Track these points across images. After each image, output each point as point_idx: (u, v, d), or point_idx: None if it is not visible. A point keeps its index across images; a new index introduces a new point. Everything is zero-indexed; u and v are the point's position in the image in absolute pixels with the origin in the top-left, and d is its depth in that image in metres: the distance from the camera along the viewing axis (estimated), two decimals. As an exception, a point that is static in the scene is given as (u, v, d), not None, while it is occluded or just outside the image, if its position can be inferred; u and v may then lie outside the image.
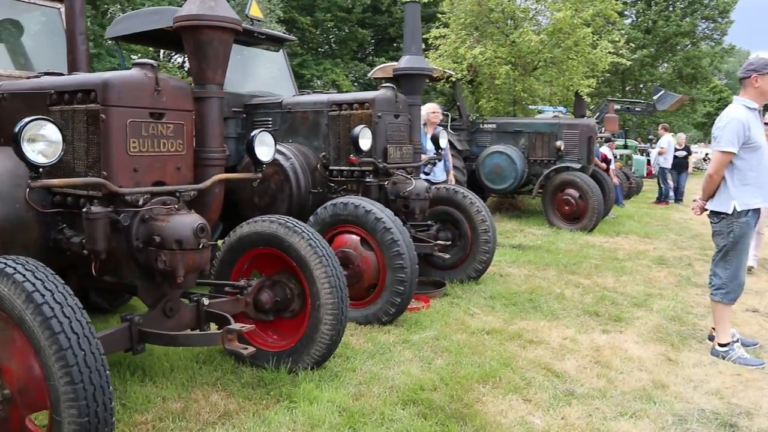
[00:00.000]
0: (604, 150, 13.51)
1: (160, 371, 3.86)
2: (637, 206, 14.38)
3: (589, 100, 10.81)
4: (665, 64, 34.06)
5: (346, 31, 35.67)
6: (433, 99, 14.05)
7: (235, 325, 3.13)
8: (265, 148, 3.88)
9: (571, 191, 9.89)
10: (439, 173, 7.49)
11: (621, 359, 4.22)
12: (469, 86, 11.39)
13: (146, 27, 6.46)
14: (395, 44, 31.94)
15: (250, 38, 6.66)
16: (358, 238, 4.87)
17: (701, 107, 39.04)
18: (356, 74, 32.12)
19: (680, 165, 15.28)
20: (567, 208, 9.94)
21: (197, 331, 3.52)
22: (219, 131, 3.68)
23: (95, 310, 4.86)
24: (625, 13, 32.55)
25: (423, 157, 6.88)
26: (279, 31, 26.05)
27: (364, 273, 4.79)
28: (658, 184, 15.74)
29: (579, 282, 6.44)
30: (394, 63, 12.29)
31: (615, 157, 15.57)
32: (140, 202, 3.19)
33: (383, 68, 11.44)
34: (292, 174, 5.58)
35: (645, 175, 19.82)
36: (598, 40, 11.23)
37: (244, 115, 6.39)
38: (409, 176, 5.61)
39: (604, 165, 12.37)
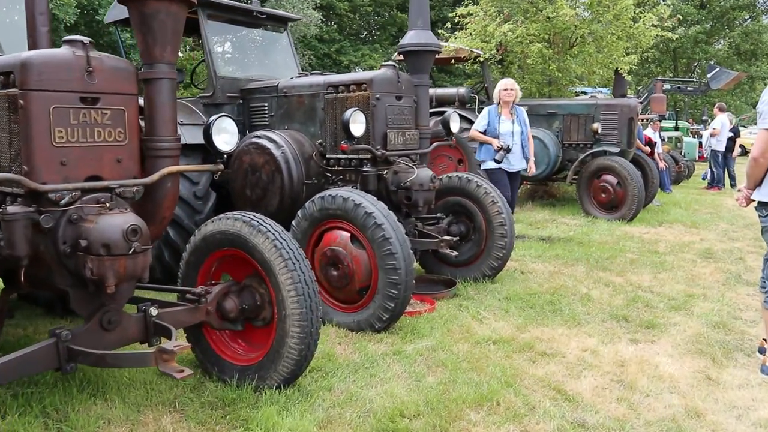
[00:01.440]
0: (648, 132, 12.59)
1: (115, 385, 3.43)
2: (686, 192, 13.38)
3: (630, 78, 9.93)
4: (721, 41, 32.19)
5: (386, 15, 35.07)
6: (461, 81, 13.43)
7: (168, 344, 2.66)
8: (225, 135, 3.41)
9: (609, 177, 9.09)
10: (515, 161, 6.76)
11: (649, 378, 3.58)
12: (499, 66, 10.67)
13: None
14: (436, 29, 31.18)
15: (249, 18, 6.20)
16: (349, 234, 4.36)
17: (761, 86, 36.90)
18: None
19: (726, 148, 14.16)
20: (604, 195, 9.16)
21: (151, 346, 3.08)
22: (171, 117, 3.20)
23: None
24: (678, -13, 30.89)
25: (495, 143, 6.50)
26: (314, 17, 25.88)
27: (355, 274, 4.28)
28: (710, 168, 14.64)
29: (610, 280, 5.76)
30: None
31: (663, 140, 14.57)
32: (66, 201, 2.75)
33: (407, 49, 10.83)
34: (284, 164, 5.10)
35: (697, 158, 18.57)
36: (641, 13, 10.32)
37: (241, 101, 5.95)
38: (412, 164, 5.05)
39: (647, 149, 11.46)
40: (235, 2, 6.07)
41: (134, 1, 2.99)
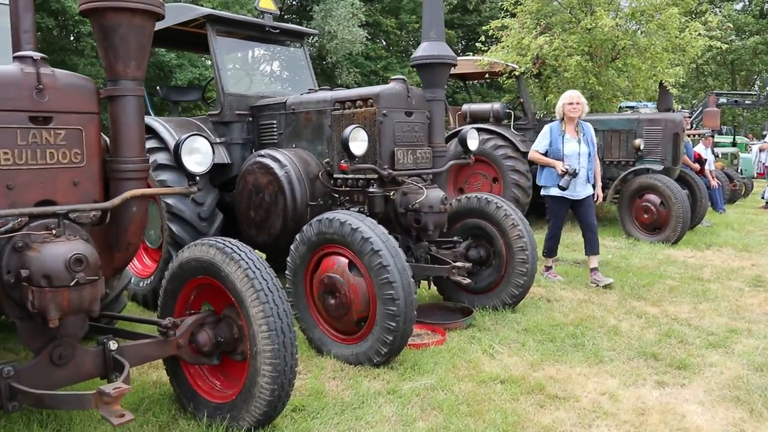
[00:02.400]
0: (699, 148, 11.88)
1: (81, 421, 3.21)
2: (741, 212, 12.54)
3: (676, 91, 9.34)
4: (784, 52, 30.66)
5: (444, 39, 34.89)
6: (497, 96, 13.01)
7: (107, 387, 2.41)
8: (197, 156, 3.17)
9: (652, 197, 8.50)
10: (581, 187, 6.05)
11: (672, 431, 3.13)
12: (536, 81, 10.24)
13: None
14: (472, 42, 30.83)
15: (262, 33, 6.03)
16: (347, 261, 4.06)
17: (828, 98, 35.00)
18: (444, 76, 31.34)
19: None
20: (646, 216, 8.56)
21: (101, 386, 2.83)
22: (137, 137, 3.00)
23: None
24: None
25: (559, 166, 5.88)
26: (359, 34, 25.93)
27: (353, 303, 3.97)
28: (770, 186, 13.72)
29: (644, 311, 5.26)
30: (464, 57, 11.39)
31: (716, 156, 13.77)
32: (9, 227, 2.55)
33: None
34: (287, 184, 4.86)
35: (755, 175, 17.52)
36: (687, 22, 9.74)
37: (250, 119, 5.76)
38: (423, 184, 4.72)
39: (697, 165, 10.79)
40: (246, 17, 5.92)
41: (93, 13, 2.81)
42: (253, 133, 5.78)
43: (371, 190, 4.60)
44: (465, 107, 10.11)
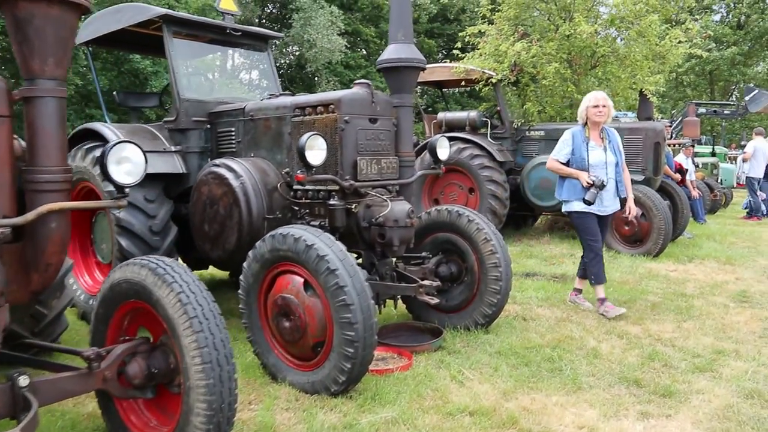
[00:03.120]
0: (680, 158, 11.72)
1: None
2: (722, 223, 12.38)
3: (656, 100, 9.13)
4: (761, 63, 30.93)
5: (414, 41, 34.74)
6: (477, 105, 12.76)
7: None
8: (128, 165, 2.81)
9: (633, 208, 8.26)
10: (609, 201, 5.36)
11: (657, 471, 2.82)
12: (514, 88, 9.98)
13: (110, 28, 5.64)
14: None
15: (222, 36, 5.69)
16: (302, 280, 3.71)
17: (804, 109, 35.34)
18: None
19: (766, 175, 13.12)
20: (627, 228, 8.31)
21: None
22: (57, 143, 2.65)
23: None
24: (713, 8, 29.89)
25: (584, 177, 5.19)
26: (339, 43, 25.64)
27: (308, 327, 3.62)
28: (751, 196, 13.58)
29: (625, 330, 4.96)
30: (433, 65, 11.10)
31: (696, 167, 13.62)
32: None
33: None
34: (242, 196, 4.50)
35: (735, 185, 17.44)
36: (668, 29, 9.56)
37: (208, 126, 5.41)
38: (388, 197, 4.39)
39: (678, 176, 10.61)
40: (205, 19, 5.57)
41: (5, 2, 2.46)
42: (211, 141, 5.42)
43: (332, 202, 4.26)
44: (440, 116, 9.82)
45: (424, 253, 4.83)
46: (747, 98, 18.94)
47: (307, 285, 3.70)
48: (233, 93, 5.96)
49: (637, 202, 8.10)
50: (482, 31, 10.12)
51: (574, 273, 7.00)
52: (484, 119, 9.55)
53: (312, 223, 4.42)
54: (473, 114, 9.59)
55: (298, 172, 4.01)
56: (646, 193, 8.15)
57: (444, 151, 4.91)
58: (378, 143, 4.47)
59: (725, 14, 30.48)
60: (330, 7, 25.81)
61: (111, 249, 5.17)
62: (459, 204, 9.41)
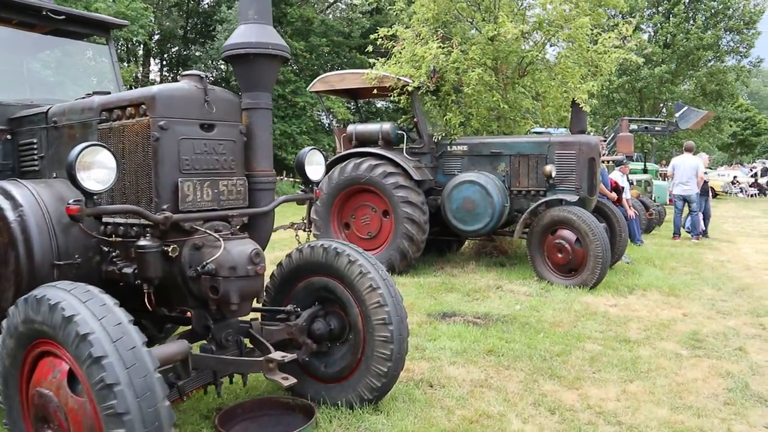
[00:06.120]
0: (615, 176, 10.92)
1: None
2: (658, 243, 11.63)
3: (588, 109, 8.21)
4: (687, 81, 31.36)
5: (345, 57, 33.63)
6: (387, 117, 11.64)
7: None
8: None
9: (566, 233, 7.22)
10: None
11: None
12: (434, 98, 8.92)
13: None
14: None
15: (39, 21, 4.32)
16: (67, 368, 2.38)
17: (727, 127, 36.17)
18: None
19: (703, 191, 12.50)
20: (560, 255, 7.28)
21: None
22: None
23: None
24: (641, 27, 30.09)
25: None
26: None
27: (69, 442, 2.29)
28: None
29: (558, 400, 3.82)
30: (342, 72, 9.90)
31: (630, 184, 12.91)
32: None
33: (324, 79, 9.03)
34: (20, 234, 3.12)
35: (668, 202, 16.96)
36: (599, 34, 8.73)
37: (9, 136, 4.00)
38: (224, 234, 3.10)
39: (614, 195, 9.78)
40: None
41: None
42: (12, 157, 4.02)
43: (140, 243, 2.94)
44: (350, 128, 8.61)
45: (289, 307, 3.56)
46: (677, 115, 18.66)
47: (72, 376, 2.38)
48: (55, 95, 4.55)
49: (572, 226, 7.18)
50: (396, 34, 8.99)
51: (499, 312, 5.92)
52: (400, 132, 8.40)
53: (125, 270, 3.11)
54: (387, 126, 8.42)
55: (69, 202, 2.67)
56: (580, 215, 7.15)
57: (315, 169, 3.65)
58: (214, 159, 3.18)
59: (653, 33, 30.75)
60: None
61: None
62: (373, 229, 8.25)
